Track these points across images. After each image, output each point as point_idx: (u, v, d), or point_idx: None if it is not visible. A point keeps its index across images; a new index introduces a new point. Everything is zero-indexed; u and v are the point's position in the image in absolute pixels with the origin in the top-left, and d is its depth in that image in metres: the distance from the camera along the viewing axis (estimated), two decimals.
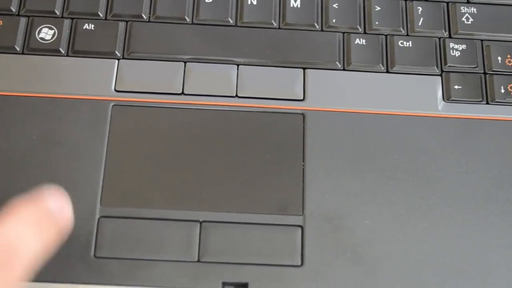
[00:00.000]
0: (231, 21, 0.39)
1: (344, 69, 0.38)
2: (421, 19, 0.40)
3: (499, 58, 0.39)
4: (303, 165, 0.36)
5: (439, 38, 0.40)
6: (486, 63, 0.39)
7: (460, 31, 0.40)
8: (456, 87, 0.38)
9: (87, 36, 0.38)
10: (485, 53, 0.39)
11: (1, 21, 0.38)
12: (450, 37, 0.40)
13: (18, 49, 0.38)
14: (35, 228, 0.29)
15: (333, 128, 0.37)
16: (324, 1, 0.40)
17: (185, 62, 0.38)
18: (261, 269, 0.33)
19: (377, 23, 0.40)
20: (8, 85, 0.37)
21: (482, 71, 0.39)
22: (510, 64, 0.39)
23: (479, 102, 0.38)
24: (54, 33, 0.38)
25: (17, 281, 0.27)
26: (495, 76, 0.38)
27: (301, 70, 0.38)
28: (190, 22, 0.39)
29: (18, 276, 0.28)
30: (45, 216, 0.29)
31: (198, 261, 0.33)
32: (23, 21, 0.38)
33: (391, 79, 0.38)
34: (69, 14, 0.39)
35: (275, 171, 0.35)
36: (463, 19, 0.40)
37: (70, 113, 0.36)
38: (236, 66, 0.38)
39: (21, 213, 0.29)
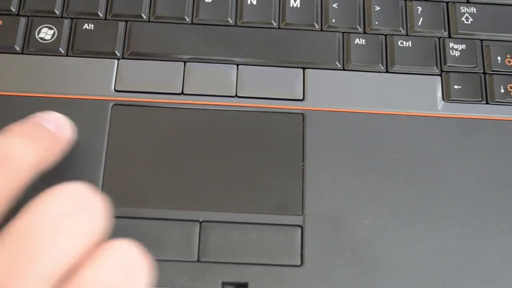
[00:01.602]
0: (231, 21, 0.39)
1: (343, 69, 0.38)
2: (421, 19, 0.40)
3: (499, 58, 0.39)
4: (303, 165, 0.36)
5: (439, 38, 0.40)
6: (485, 63, 0.39)
7: (459, 31, 0.40)
8: (455, 87, 0.38)
9: (87, 36, 0.38)
10: (484, 53, 0.39)
11: (1, 21, 0.38)
12: (449, 37, 0.40)
13: (18, 49, 0.38)
14: (30, 139, 0.30)
15: (333, 128, 0.37)
16: (324, 1, 0.40)
17: (185, 62, 0.38)
18: (261, 269, 0.33)
19: (376, 23, 0.40)
20: (8, 85, 0.37)
21: (482, 71, 0.39)
22: (510, 64, 0.39)
23: (478, 102, 0.38)
24: (54, 33, 0.38)
25: (12, 182, 0.28)
26: (494, 76, 0.38)
27: (301, 70, 0.38)
28: (190, 22, 0.39)
29: (14, 178, 0.28)
30: (40, 130, 0.31)
31: (198, 261, 0.33)
32: (23, 21, 0.38)
33: (391, 79, 0.38)
34: (69, 14, 0.39)
35: (275, 171, 0.35)
36: (463, 19, 0.40)
37: (70, 113, 0.36)
38: (236, 66, 0.38)
39: (16, 128, 0.30)
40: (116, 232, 0.34)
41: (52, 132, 0.32)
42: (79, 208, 0.27)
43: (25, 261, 0.24)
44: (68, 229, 0.26)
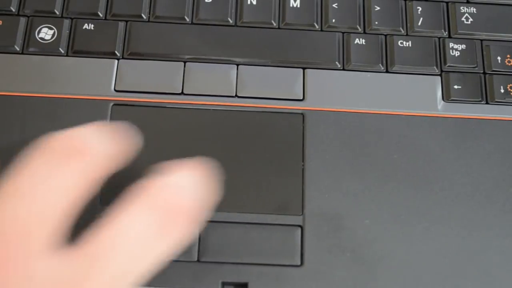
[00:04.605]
0: (231, 21, 0.39)
1: (343, 69, 0.38)
2: (421, 19, 0.40)
3: (499, 58, 0.39)
4: (303, 165, 0.36)
5: (439, 38, 0.40)
6: (485, 63, 0.39)
7: (459, 31, 0.40)
8: (455, 87, 0.38)
9: (87, 36, 0.38)
10: (484, 53, 0.39)
11: (1, 21, 0.38)
12: (449, 37, 0.40)
13: (18, 49, 0.38)
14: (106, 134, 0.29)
15: (333, 128, 0.37)
16: (324, 1, 0.40)
17: (185, 62, 0.38)
18: (261, 269, 0.33)
19: (376, 23, 0.40)
20: (8, 85, 0.37)
21: (482, 71, 0.39)
22: (509, 64, 0.39)
23: (478, 102, 0.38)
24: (54, 33, 0.38)
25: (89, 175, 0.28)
26: (494, 76, 0.38)
27: (301, 70, 0.38)
28: (190, 22, 0.39)
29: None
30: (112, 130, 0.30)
31: (198, 261, 0.33)
32: (23, 21, 0.38)
33: (391, 79, 0.38)
34: (68, 14, 0.39)
35: (275, 171, 0.35)
36: (463, 19, 0.40)
37: (70, 113, 0.36)
38: (235, 66, 0.38)
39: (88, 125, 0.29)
40: None
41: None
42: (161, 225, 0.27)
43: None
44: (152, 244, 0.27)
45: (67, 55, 0.38)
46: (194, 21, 0.39)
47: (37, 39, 0.38)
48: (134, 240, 0.26)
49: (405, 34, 0.40)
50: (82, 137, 0.28)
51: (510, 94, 0.38)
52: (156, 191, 0.28)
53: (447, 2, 0.41)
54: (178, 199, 0.28)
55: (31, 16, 0.39)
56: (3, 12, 0.39)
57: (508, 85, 0.38)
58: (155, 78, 0.37)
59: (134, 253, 0.26)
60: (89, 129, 0.29)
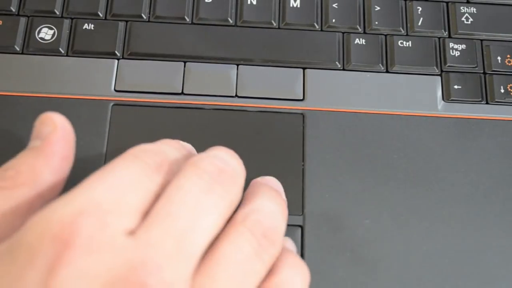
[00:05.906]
0: (231, 21, 0.39)
1: (343, 69, 0.38)
2: (421, 19, 0.40)
3: (499, 58, 0.39)
4: (303, 165, 0.36)
5: (439, 38, 0.40)
6: (485, 63, 0.39)
7: (459, 31, 0.40)
8: (455, 87, 0.38)
9: (87, 36, 0.38)
10: (484, 53, 0.39)
11: (1, 21, 0.38)
12: (449, 37, 0.40)
13: (18, 49, 0.38)
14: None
15: (333, 128, 0.37)
16: (324, 1, 0.40)
17: (185, 62, 0.38)
18: None
19: (376, 23, 0.40)
20: (8, 85, 0.37)
21: (482, 71, 0.39)
22: (510, 64, 0.39)
23: (478, 102, 0.38)
24: (54, 33, 0.38)
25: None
26: (494, 76, 0.38)
27: (301, 70, 0.38)
28: (190, 22, 0.39)
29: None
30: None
31: None
32: (23, 21, 0.38)
33: (391, 79, 0.38)
34: (69, 14, 0.39)
35: (275, 171, 0.35)
36: (463, 19, 0.40)
37: (70, 113, 0.36)
38: (236, 66, 0.38)
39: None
40: None
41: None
42: (214, 181, 0.27)
43: (170, 245, 0.25)
44: (206, 207, 0.26)
45: (67, 55, 0.38)
46: (194, 21, 0.39)
47: (37, 39, 0.38)
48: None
49: (405, 34, 0.40)
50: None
51: (510, 94, 0.38)
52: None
53: (447, 2, 0.41)
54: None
55: (31, 16, 0.39)
56: (3, 12, 0.39)
57: (508, 85, 0.38)
58: (155, 78, 0.37)
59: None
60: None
